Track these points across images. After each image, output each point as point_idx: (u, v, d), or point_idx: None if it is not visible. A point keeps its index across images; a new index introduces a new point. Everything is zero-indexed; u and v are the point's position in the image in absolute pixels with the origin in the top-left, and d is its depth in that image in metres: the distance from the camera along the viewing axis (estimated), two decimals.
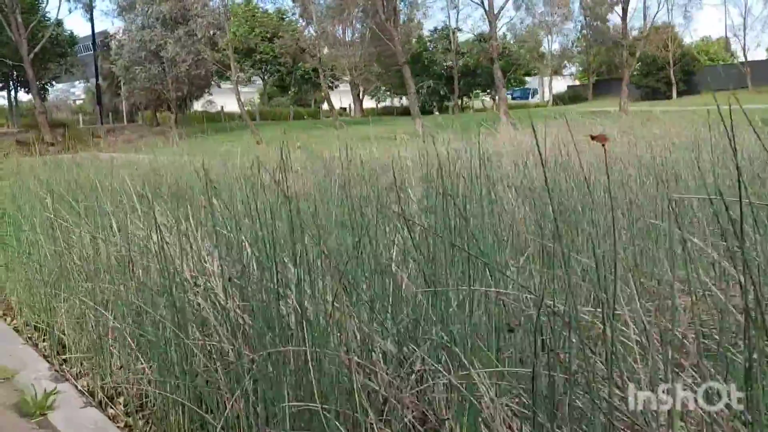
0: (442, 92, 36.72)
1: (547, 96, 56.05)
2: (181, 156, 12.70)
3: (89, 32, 33.93)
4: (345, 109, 56.53)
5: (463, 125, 14.80)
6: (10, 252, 5.79)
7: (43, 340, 4.10)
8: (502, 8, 21.64)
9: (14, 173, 9.83)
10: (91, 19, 31.86)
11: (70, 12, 35.54)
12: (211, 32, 23.72)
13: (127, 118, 40.71)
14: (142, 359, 2.75)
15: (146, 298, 2.72)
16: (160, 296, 2.58)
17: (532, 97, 56.92)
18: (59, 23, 31.08)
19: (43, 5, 32.16)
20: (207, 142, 26.86)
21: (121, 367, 3.08)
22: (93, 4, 29.70)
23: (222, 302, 2.31)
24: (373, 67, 27.74)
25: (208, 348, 2.35)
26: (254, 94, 62.70)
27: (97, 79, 32.92)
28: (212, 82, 33.55)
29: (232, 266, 2.37)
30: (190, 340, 2.35)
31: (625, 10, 26.10)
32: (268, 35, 37.42)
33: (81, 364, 3.46)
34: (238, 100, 22.54)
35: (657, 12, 54.01)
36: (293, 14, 29.38)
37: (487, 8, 19.82)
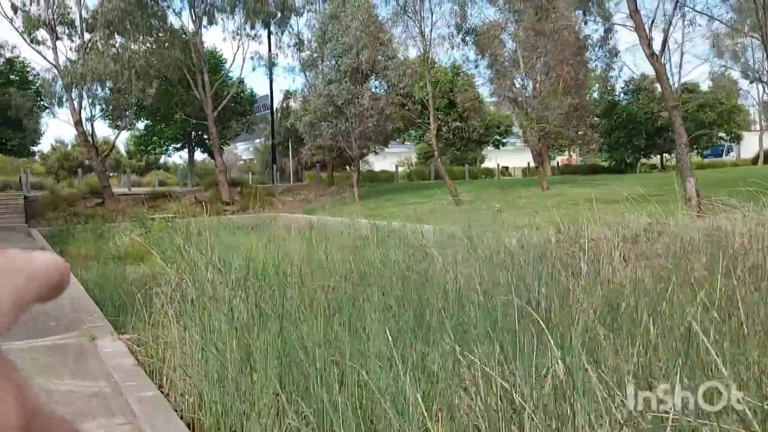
0: (640, 146, 32.14)
1: (744, 153, 49.38)
2: (441, 223, 9.67)
3: (265, 91, 33.48)
4: (507, 168, 53.04)
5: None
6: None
7: None
8: None
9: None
10: (270, 78, 31.21)
11: (254, 69, 35.41)
12: (402, 85, 21.44)
13: (293, 177, 39.96)
14: None
15: None
16: None
17: (726, 155, 50.37)
18: (241, 81, 30.68)
19: (227, 64, 32.15)
20: (393, 203, 24.40)
21: None
22: (275, 62, 28.86)
23: None
24: (575, 121, 24.10)
25: None
26: (412, 153, 61.01)
27: (273, 138, 32.05)
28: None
29: None
30: None
31: None
32: (444, 90, 35.13)
33: None
34: (437, 150, 19.69)
35: None
36: (475, 66, 26.66)
37: None
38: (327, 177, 32.19)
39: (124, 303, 8.38)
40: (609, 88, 34.16)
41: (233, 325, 4.14)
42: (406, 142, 52.87)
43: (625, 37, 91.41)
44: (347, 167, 40.07)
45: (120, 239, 16.63)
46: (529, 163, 39.92)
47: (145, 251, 15.37)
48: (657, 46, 14.40)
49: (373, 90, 23.89)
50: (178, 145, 38.75)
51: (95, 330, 6.24)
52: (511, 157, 57.09)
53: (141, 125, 35.71)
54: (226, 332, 4.15)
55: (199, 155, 41.74)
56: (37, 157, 45.49)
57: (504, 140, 50.08)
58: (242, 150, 66.86)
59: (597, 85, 34.95)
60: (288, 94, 30.68)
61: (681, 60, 26.43)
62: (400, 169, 57.44)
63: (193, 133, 35.49)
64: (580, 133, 20.95)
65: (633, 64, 73.36)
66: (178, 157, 52.87)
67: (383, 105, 21.34)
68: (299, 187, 31.37)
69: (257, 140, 58.53)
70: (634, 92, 33.88)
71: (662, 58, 13.71)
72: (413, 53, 22.91)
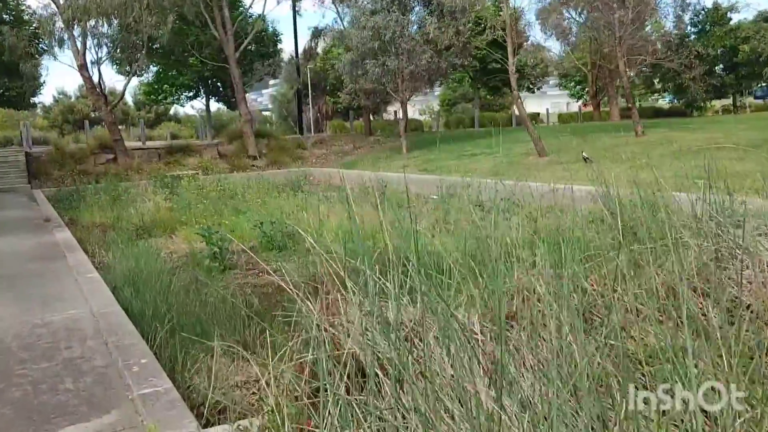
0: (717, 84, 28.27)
1: None
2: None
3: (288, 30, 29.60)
4: (538, 114, 49.37)
5: None
6: None
7: None
8: None
9: None
10: (294, 13, 27.60)
11: (278, 3, 31.55)
12: (479, 8, 17.96)
13: (314, 127, 36.54)
14: None
15: None
16: None
17: None
18: (264, 18, 27.04)
19: (247, 0, 28.43)
20: (449, 155, 21.11)
21: None
22: None
23: None
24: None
25: None
26: (434, 101, 57.11)
27: (300, 82, 28.62)
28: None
29: None
30: None
31: None
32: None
33: None
34: (515, 89, 16.41)
35: None
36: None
37: None
38: (361, 126, 28.89)
39: (175, 313, 5.39)
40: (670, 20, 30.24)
41: None
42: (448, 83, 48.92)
43: None
44: (373, 115, 36.60)
45: (142, 204, 13.63)
46: (580, 108, 36.41)
47: (175, 219, 12.33)
48: None
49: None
50: (191, 94, 35.21)
51: (149, 405, 3.25)
52: (535, 102, 53.57)
53: (151, 71, 32.18)
54: None
55: (213, 105, 38.25)
56: (38, 110, 42.21)
57: (539, 84, 46.30)
58: (251, 100, 63.22)
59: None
60: (317, 32, 27.05)
61: None
62: (422, 117, 53.75)
63: (209, 80, 31.99)
64: (684, 65, 17.57)
65: None
66: (190, 108, 49.32)
67: (453, 34, 17.89)
68: (331, 138, 28.12)
69: (266, 90, 54.71)
70: (704, 24, 30.00)
71: None
72: None
